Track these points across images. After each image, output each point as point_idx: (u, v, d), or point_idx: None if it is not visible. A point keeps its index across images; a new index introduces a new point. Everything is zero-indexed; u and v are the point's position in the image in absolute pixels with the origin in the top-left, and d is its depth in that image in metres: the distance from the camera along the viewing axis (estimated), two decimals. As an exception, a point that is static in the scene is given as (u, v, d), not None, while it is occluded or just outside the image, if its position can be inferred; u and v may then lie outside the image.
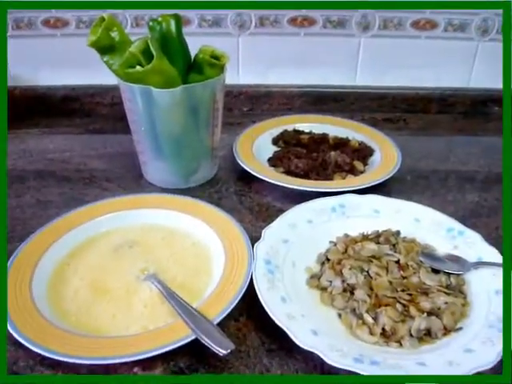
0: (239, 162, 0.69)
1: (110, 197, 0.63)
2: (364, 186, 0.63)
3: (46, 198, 0.67)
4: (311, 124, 0.82)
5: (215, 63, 0.62)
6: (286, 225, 0.56)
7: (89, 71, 0.90)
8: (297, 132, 0.80)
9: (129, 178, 0.72)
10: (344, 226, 0.57)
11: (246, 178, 0.70)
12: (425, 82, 0.95)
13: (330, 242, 0.56)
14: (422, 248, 0.54)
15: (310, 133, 0.80)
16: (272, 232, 0.54)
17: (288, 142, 0.77)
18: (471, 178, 0.74)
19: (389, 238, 0.55)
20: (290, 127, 0.81)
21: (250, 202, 0.66)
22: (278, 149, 0.77)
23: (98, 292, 0.49)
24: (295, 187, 0.64)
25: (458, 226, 0.56)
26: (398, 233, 0.56)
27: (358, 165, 0.70)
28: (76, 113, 0.94)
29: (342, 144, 0.76)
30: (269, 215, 0.63)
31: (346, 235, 0.56)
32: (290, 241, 0.54)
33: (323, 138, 0.77)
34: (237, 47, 0.92)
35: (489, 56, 0.92)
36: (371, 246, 0.53)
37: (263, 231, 0.54)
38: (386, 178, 0.66)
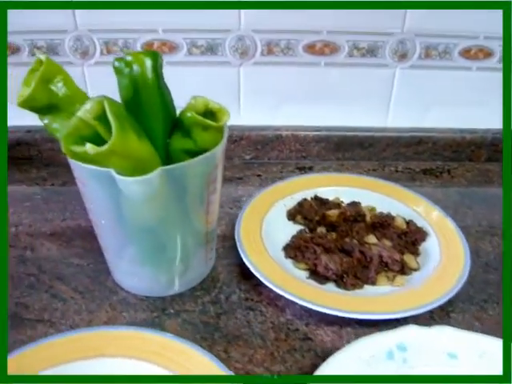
0: (244, 258, 0.49)
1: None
2: (429, 308, 0.44)
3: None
4: (337, 188, 0.62)
5: (210, 125, 0.42)
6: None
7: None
8: (320, 202, 0.59)
9: (91, 275, 0.52)
10: (408, 385, 0.38)
11: (254, 276, 0.49)
12: (474, 123, 0.75)
13: (390, 417, 0.36)
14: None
15: (338, 204, 0.59)
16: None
17: (309, 219, 0.57)
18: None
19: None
20: (309, 193, 0.61)
21: (262, 322, 0.46)
22: (297, 227, 0.57)
23: None
24: (322, 310, 0.44)
25: None
26: (492, 401, 0.37)
27: (410, 260, 0.50)
28: (32, 162, 0.74)
29: (383, 224, 0.55)
30: (290, 349, 0.43)
31: (416, 410, 0.36)
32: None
33: (357, 212, 0.56)
34: (237, 80, 0.71)
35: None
36: None
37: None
38: (457, 289, 0.46)
